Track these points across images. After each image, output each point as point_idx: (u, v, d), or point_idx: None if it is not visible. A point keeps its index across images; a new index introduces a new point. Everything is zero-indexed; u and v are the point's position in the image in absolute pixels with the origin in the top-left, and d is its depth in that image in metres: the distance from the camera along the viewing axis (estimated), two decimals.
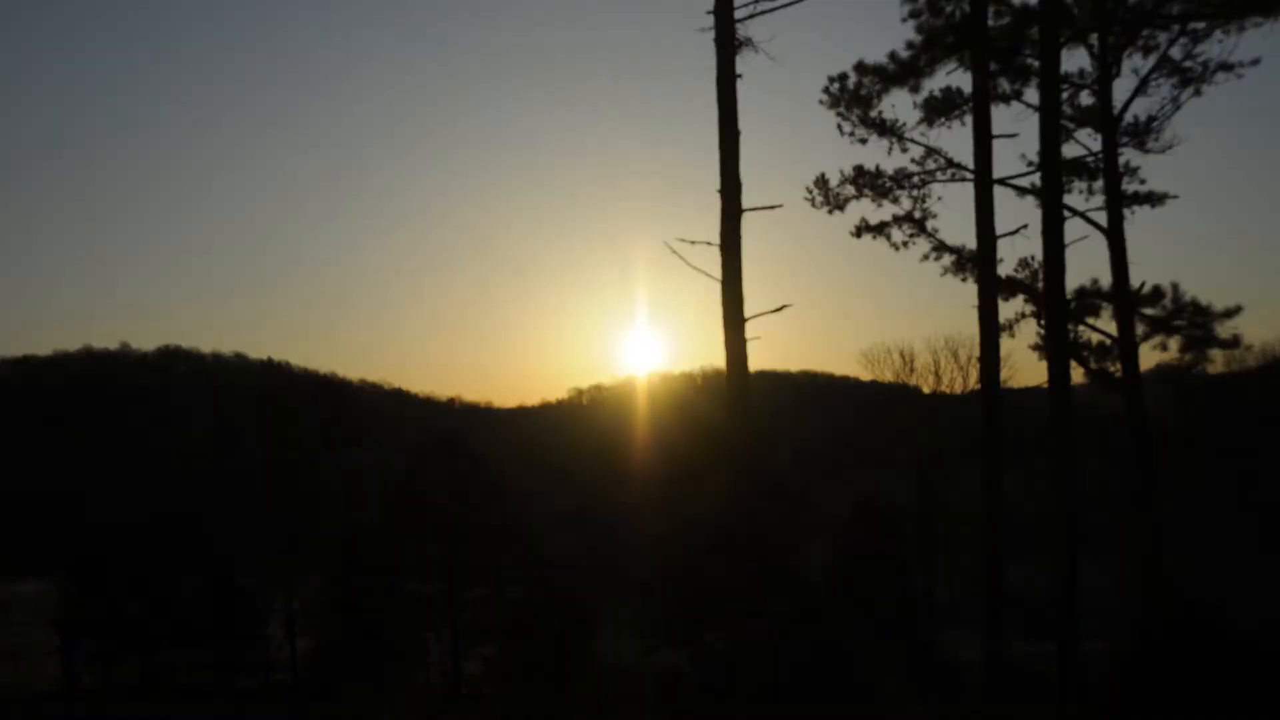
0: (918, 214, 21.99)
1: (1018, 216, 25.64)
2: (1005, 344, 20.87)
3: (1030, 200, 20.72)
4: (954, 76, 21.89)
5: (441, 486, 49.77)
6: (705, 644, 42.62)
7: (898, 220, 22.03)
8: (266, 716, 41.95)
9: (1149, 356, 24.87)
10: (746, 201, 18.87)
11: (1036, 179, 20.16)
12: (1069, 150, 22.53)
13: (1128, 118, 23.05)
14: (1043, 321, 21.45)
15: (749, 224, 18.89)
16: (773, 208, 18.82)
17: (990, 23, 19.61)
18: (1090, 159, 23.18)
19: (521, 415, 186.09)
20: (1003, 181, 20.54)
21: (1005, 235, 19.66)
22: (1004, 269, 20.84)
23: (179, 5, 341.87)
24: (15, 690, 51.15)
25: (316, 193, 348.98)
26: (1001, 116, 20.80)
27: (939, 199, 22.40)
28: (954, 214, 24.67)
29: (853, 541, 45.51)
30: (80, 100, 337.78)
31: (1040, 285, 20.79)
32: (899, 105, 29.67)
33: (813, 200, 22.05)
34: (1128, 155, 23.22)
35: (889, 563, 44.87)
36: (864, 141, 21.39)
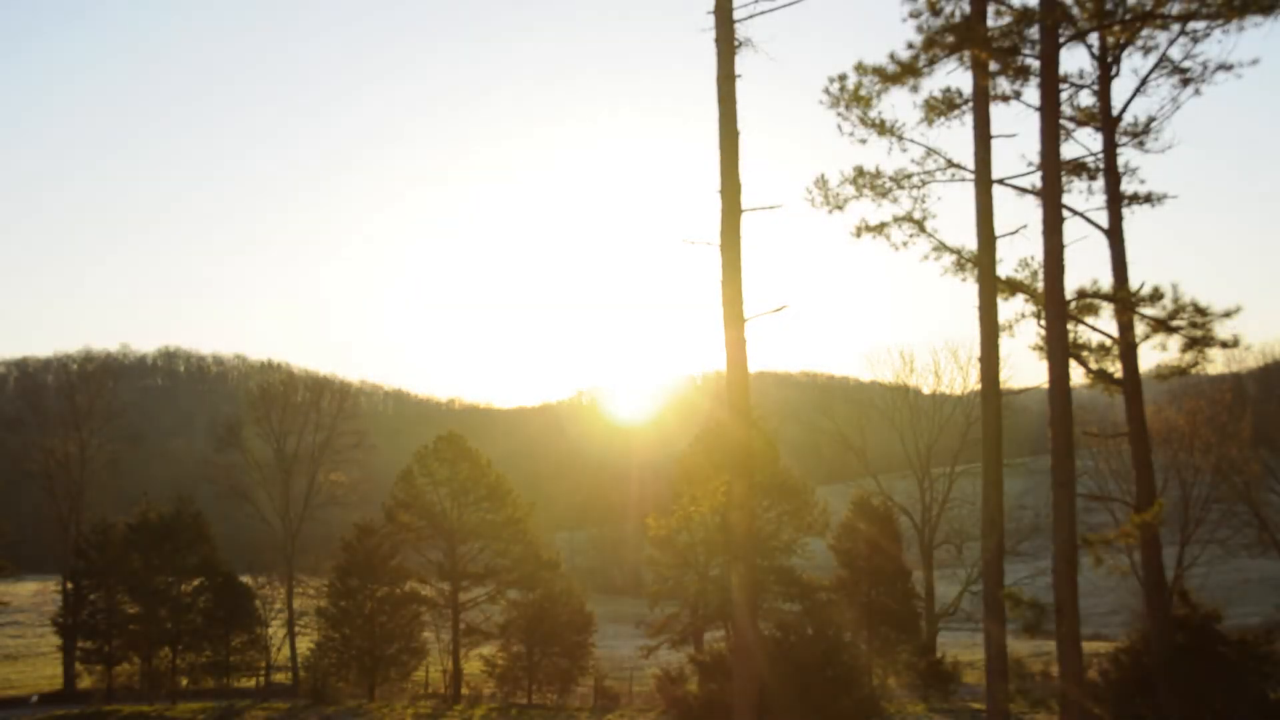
0: (918, 214, 21.91)
1: (1018, 216, 25.62)
2: (1005, 344, 20.80)
3: (1030, 200, 20.66)
4: (954, 76, 21.85)
5: (441, 487, 49.79)
6: (705, 644, 42.65)
7: (898, 220, 21.95)
8: (266, 716, 41.92)
9: (1149, 356, 24.90)
10: (746, 201, 18.87)
11: (1036, 179, 20.13)
12: (1069, 150, 22.51)
13: (1127, 118, 23.07)
14: (1043, 321, 21.40)
15: (749, 224, 18.91)
16: (772, 208, 18.84)
17: (990, 22, 19.57)
18: (1090, 159, 23.17)
19: (521, 415, 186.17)
20: (1003, 181, 20.50)
21: (1005, 235, 19.62)
22: (1004, 269, 20.78)
23: (177, 6, 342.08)
24: (15, 690, 51.17)
25: (317, 194, 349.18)
26: (1001, 116, 20.77)
27: (939, 199, 22.36)
28: (954, 214, 24.70)
29: (853, 541, 45.52)
30: (80, 101, 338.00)
31: (1040, 285, 20.75)
32: (899, 105, 29.67)
33: (813, 200, 21.99)
34: (1127, 155, 23.24)
35: (889, 562, 44.90)
36: (864, 141, 21.29)
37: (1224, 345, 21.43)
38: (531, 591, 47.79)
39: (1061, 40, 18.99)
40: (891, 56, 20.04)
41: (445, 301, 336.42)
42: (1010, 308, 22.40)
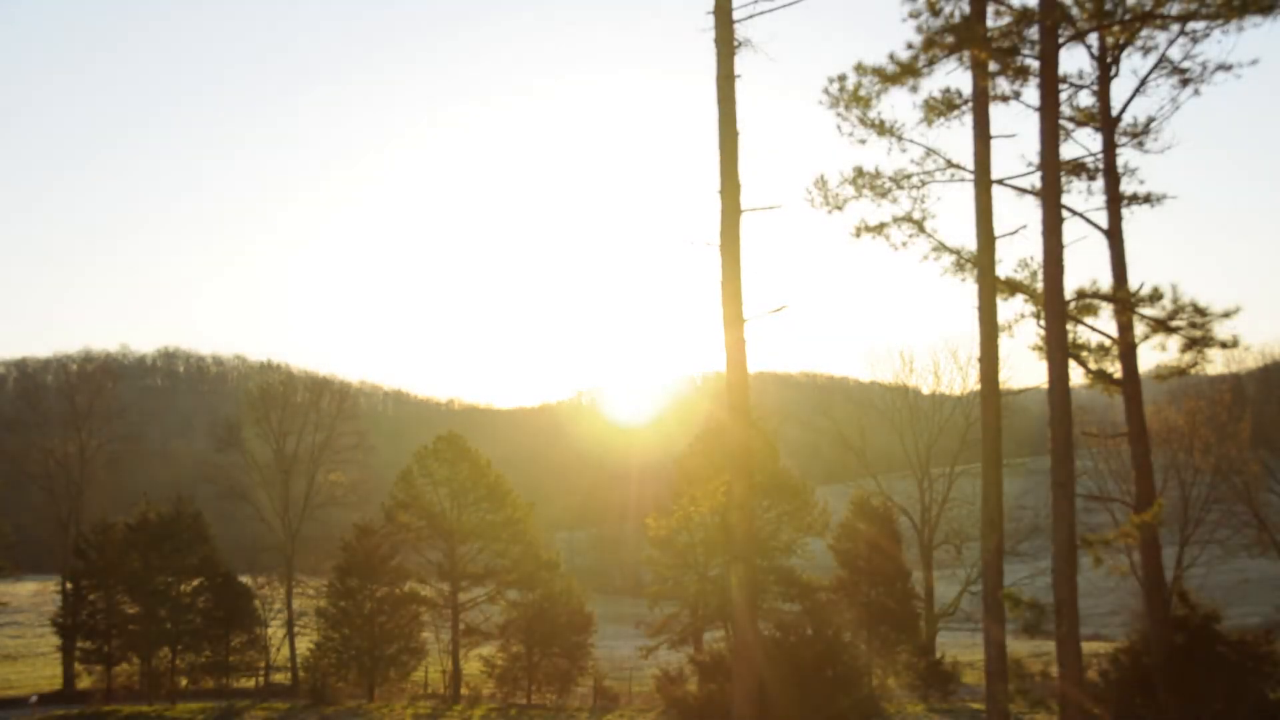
0: (917, 214, 21.93)
1: (1018, 216, 25.65)
2: (1005, 344, 20.84)
3: (1030, 200, 20.69)
4: (953, 77, 21.92)
5: (441, 487, 49.78)
6: (705, 644, 42.64)
7: (897, 220, 21.97)
8: (265, 717, 41.93)
9: (1149, 356, 24.91)
10: (746, 202, 18.90)
11: (1036, 179, 20.13)
12: (1069, 150, 22.55)
13: (1127, 118, 23.10)
14: (1042, 322, 21.42)
15: (749, 224, 18.93)
16: (772, 208, 18.87)
17: (990, 23, 19.58)
18: (1090, 159, 23.20)
19: (521, 415, 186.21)
20: (1002, 181, 20.53)
21: (1005, 235, 19.65)
22: (1004, 269, 20.83)
23: (177, 5, 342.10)
24: (15, 690, 51.15)
25: (318, 193, 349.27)
26: (1001, 116, 20.81)
27: (939, 199, 22.40)
28: (954, 214, 24.71)
29: (852, 542, 45.52)
30: (80, 100, 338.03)
31: (1040, 285, 20.76)
32: (898, 105, 29.70)
33: (812, 200, 22.02)
34: (1127, 155, 23.28)
35: (889, 563, 44.89)
36: (864, 142, 21.32)
37: (1223, 345, 21.47)
38: (531, 592, 47.76)
39: (1061, 40, 19.01)
40: (891, 57, 20.07)
41: (446, 301, 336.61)
42: (1010, 308, 22.44)
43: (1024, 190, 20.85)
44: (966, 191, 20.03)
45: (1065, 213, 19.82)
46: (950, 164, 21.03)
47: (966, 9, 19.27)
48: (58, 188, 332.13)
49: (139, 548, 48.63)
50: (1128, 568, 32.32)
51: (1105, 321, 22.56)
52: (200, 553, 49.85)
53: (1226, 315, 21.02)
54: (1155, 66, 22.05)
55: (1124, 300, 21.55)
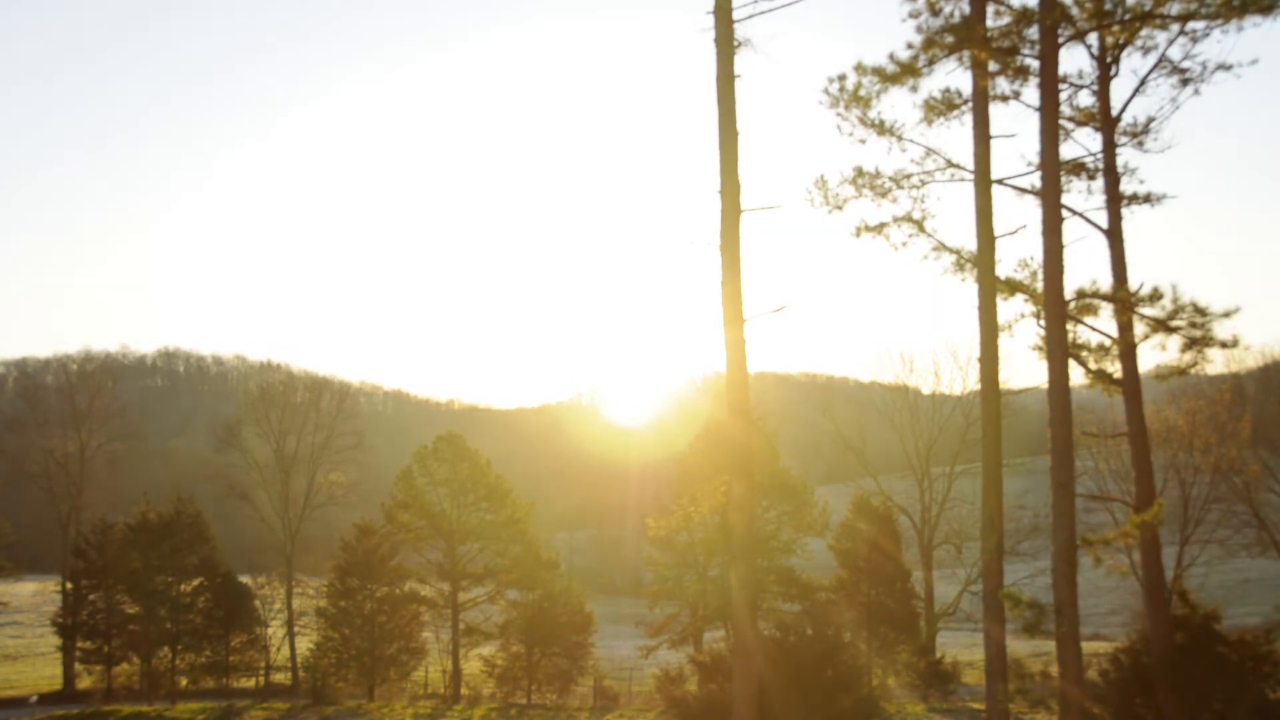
0: (917, 214, 21.93)
1: (1017, 216, 25.66)
2: (1005, 344, 20.83)
3: (1030, 200, 20.67)
4: (953, 76, 21.94)
5: (441, 487, 49.80)
6: (705, 644, 42.64)
7: (897, 220, 21.96)
8: (265, 717, 41.92)
9: (1149, 356, 24.90)
10: (746, 202, 18.89)
11: (1036, 179, 20.12)
12: (1068, 150, 22.54)
13: (1127, 118, 23.09)
14: (1042, 321, 21.40)
15: (749, 224, 18.92)
16: (772, 208, 18.86)
17: (989, 22, 19.58)
18: (1090, 159, 23.18)
19: (521, 415, 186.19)
20: (1002, 181, 20.51)
21: (1005, 235, 19.65)
22: (1004, 269, 20.81)
23: (176, 7, 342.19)
24: (15, 690, 51.14)
25: (318, 193, 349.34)
26: (1001, 116, 20.82)
27: (938, 199, 22.38)
28: (954, 214, 24.72)
29: (852, 541, 45.53)
30: (80, 99, 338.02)
31: (1040, 285, 20.75)
32: (898, 105, 29.67)
33: (812, 200, 22.03)
34: (1126, 155, 23.26)
35: (889, 562, 44.91)
36: (863, 142, 21.32)
37: (1223, 345, 21.45)
38: (531, 591, 47.78)
39: (1061, 40, 19.00)
40: (891, 57, 20.07)
41: (446, 301, 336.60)
42: (1010, 308, 22.42)
43: (1024, 190, 20.85)
44: (966, 191, 20.03)
45: (1065, 212, 19.81)
46: (950, 164, 21.04)
47: (966, 9, 19.27)
48: (58, 187, 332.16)
49: (139, 548, 48.62)
50: (1128, 568, 32.30)
51: (1105, 321, 22.56)
52: (200, 553, 49.84)
53: (1226, 315, 21.01)
54: (1155, 66, 22.04)
55: (1124, 300, 21.53)
